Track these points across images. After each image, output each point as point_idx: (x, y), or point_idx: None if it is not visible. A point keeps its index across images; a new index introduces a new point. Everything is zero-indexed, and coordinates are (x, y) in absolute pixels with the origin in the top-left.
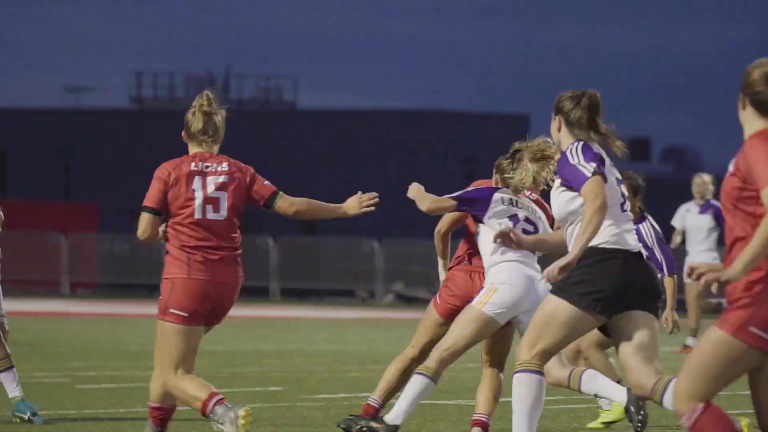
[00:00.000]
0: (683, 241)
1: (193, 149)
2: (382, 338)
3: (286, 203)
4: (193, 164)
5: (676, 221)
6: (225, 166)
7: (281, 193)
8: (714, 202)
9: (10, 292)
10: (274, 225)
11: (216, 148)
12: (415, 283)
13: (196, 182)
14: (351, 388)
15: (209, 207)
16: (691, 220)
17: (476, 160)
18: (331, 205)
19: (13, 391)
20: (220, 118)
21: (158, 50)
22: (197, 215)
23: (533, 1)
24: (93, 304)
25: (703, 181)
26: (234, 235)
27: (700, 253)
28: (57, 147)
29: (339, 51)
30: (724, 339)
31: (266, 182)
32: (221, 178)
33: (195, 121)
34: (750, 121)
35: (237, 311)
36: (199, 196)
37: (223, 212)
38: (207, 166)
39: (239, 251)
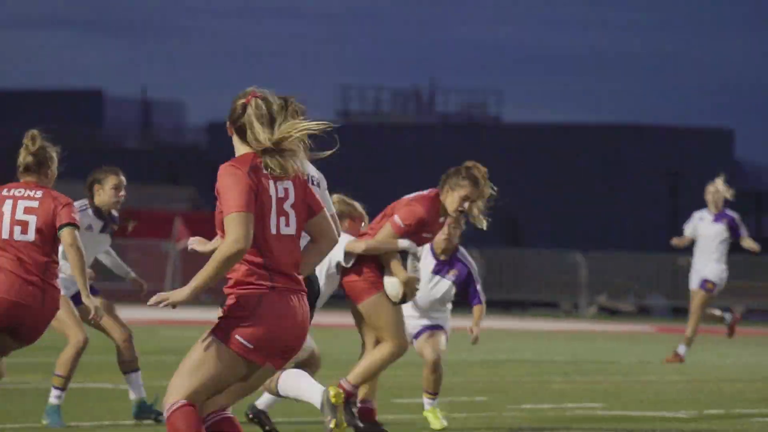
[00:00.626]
0: (689, 250)
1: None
2: (586, 350)
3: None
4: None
5: (688, 229)
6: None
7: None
8: (729, 212)
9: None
10: (479, 237)
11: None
12: (618, 295)
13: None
14: (556, 399)
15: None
16: (704, 229)
17: (680, 175)
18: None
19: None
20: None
21: (365, 65)
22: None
23: (738, 12)
24: None
25: (716, 189)
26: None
27: (709, 263)
28: None
29: (543, 65)
30: (215, 343)
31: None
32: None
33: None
34: (237, 146)
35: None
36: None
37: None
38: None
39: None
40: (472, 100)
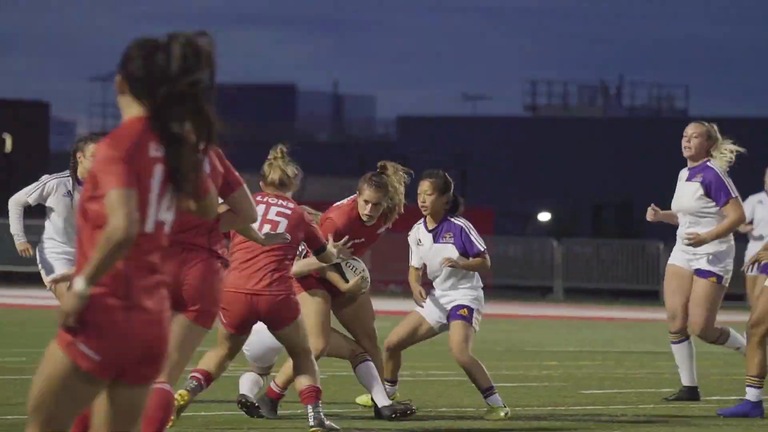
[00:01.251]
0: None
1: None
2: None
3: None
4: None
5: (746, 211)
6: None
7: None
8: None
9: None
10: (663, 230)
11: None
12: None
13: None
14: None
15: None
16: (761, 212)
17: None
18: None
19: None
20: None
21: (553, 59)
22: None
23: None
24: (488, 306)
25: None
26: None
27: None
28: (454, 153)
29: (730, 60)
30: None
31: None
32: None
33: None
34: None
35: (628, 313)
36: None
37: None
38: None
39: None
40: (659, 94)
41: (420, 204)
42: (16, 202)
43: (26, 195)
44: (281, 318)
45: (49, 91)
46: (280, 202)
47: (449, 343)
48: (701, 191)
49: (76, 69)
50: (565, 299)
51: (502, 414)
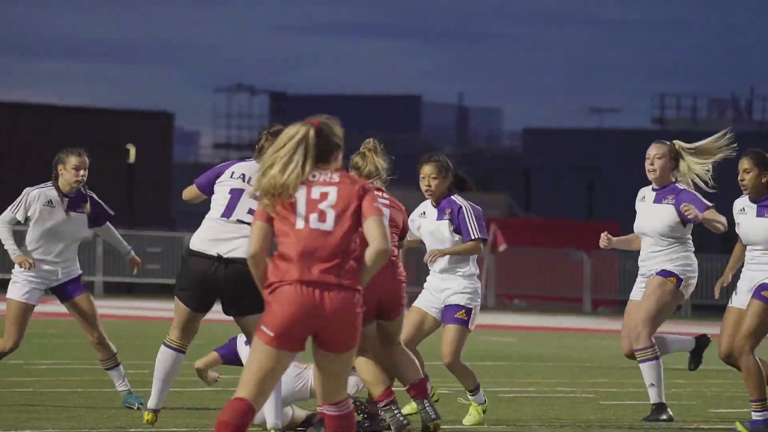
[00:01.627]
0: None
1: None
2: None
3: None
4: None
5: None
6: None
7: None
8: None
9: (536, 308)
10: None
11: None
12: None
13: None
14: None
15: None
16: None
17: None
18: None
19: (121, 386)
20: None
21: (682, 73)
22: None
23: None
24: (613, 321)
25: None
26: None
27: None
28: (581, 166)
29: None
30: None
31: None
32: None
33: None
34: None
35: None
36: None
37: None
38: None
39: None
40: None
41: (424, 188)
42: (2, 221)
43: (12, 212)
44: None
45: (174, 102)
46: (382, 194)
47: (442, 344)
48: (675, 215)
49: (200, 79)
50: (692, 315)
51: (482, 411)
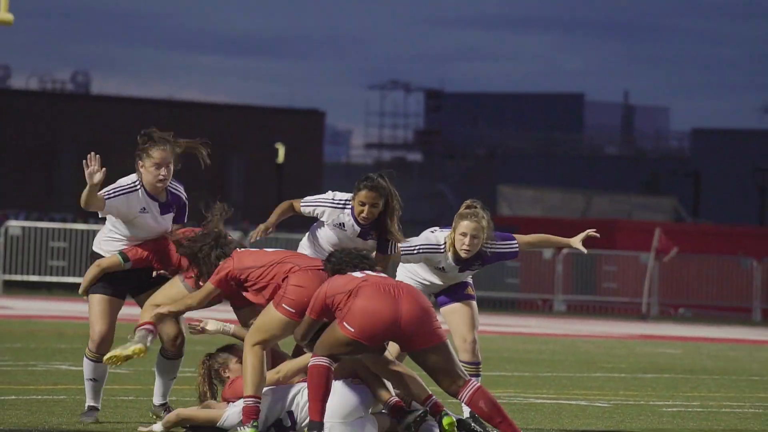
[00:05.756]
0: None
1: None
2: None
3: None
4: None
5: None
6: None
7: None
8: None
9: (702, 318)
10: None
11: None
12: None
13: None
14: None
15: None
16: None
17: None
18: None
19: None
20: None
21: None
22: None
23: None
24: None
25: None
26: None
27: None
28: (752, 169)
29: None
30: None
31: None
32: None
33: None
34: None
35: None
36: None
37: None
38: None
39: None
40: None
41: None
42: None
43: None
44: None
45: (325, 99)
46: None
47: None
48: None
49: (353, 76)
50: None
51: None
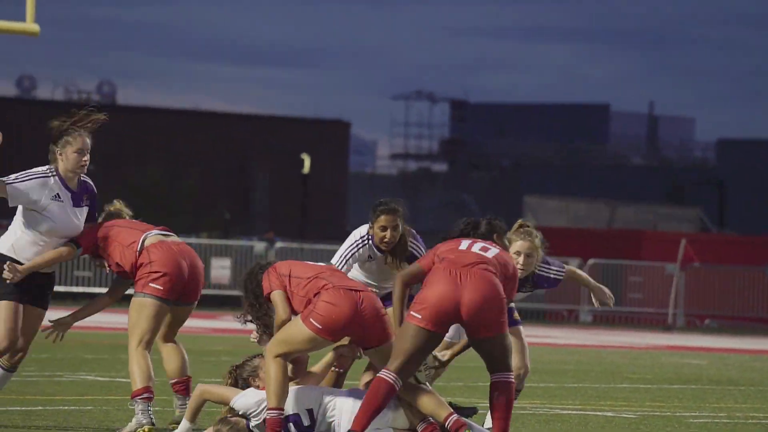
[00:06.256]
0: None
1: None
2: None
3: None
4: None
5: None
6: None
7: None
8: None
9: (728, 329)
10: None
11: None
12: None
13: None
14: None
15: None
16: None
17: None
18: None
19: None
20: None
21: None
22: None
23: None
24: None
25: None
26: None
27: None
28: None
29: None
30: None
31: None
32: None
33: None
34: None
35: None
36: None
37: None
38: None
39: None
40: None
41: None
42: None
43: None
44: None
45: (350, 110)
46: None
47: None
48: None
49: (378, 86)
50: None
51: None
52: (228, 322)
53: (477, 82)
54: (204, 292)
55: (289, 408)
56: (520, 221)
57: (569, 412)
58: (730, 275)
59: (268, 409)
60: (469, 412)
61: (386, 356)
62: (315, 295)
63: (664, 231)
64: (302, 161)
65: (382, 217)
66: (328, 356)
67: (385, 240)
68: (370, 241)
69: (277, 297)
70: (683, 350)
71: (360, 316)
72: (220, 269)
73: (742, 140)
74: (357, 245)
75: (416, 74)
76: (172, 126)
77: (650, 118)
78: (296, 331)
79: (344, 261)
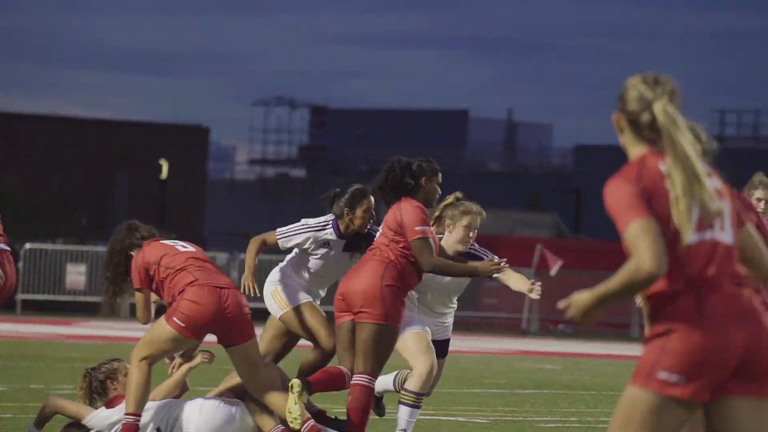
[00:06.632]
0: None
1: None
2: None
3: None
4: None
5: None
6: None
7: None
8: None
9: (582, 334)
10: None
11: None
12: None
13: None
14: None
15: None
16: None
17: None
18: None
19: None
20: None
21: (743, 87)
22: None
23: None
24: None
25: None
26: None
27: None
28: None
29: None
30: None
31: None
32: None
33: None
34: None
35: None
36: None
37: None
38: None
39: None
40: None
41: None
42: None
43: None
44: None
45: (209, 116)
46: None
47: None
48: None
49: (240, 93)
50: None
51: None
52: (83, 328)
53: (340, 89)
54: (59, 298)
55: (145, 420)
56: (456, 194)
57: (421, 417)
58: (584, 280)
59: (126, 413)
60: (338, 425)
61: (248, 354)
62: (180, 293)
63: (521, 236)
64: (160, 167)
65: (365, 201)
66: (178, 373)
67: (366, 222)
68: (333, 228)
69: (138, 298)
70: (537, 355)
71: (223, 314)
72: (76, 275)
73: (599, 146)
74: (321, 225)
75: (279, 82)
76: (31, 132)
77: (509, 124)
78: (161, 331)
79: (299, 233)
